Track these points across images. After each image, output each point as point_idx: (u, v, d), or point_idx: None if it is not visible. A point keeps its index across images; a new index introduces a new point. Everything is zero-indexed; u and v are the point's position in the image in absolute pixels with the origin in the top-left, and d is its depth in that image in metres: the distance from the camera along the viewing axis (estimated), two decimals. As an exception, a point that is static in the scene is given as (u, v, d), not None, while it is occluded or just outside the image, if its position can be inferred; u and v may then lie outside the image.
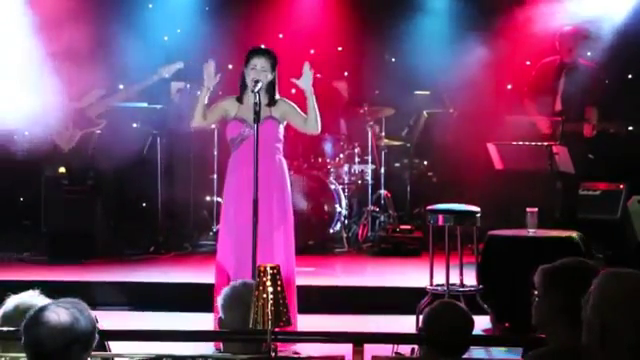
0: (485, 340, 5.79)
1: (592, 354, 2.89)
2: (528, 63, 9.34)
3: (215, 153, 9.82)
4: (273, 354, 3.80)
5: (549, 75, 9.11)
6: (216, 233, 7.49)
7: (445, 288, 6.99)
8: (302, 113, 6.53)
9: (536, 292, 3.41)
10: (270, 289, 3.75)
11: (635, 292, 2.85)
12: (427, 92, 10.64)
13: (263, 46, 6.74)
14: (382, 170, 10.28)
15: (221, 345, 4.47)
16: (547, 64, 9.20)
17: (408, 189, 10.42)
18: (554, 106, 9.07)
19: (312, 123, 6.50)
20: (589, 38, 9.25)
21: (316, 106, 6.49)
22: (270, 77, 6.45)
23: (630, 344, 2.81)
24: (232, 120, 6.54)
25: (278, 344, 3.97)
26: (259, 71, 6.40)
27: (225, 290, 4.28)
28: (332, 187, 9.91)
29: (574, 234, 7.13)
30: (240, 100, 6.54)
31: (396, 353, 4.22)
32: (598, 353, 2.87)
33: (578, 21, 9.34)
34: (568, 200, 8.63)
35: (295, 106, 6.56)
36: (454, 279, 7.10)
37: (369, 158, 10.19)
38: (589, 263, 3.46)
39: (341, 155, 10.21)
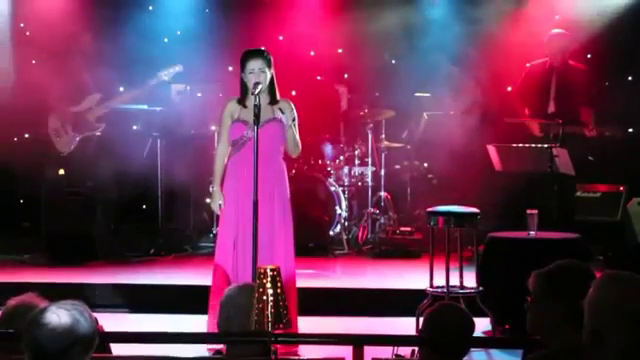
0: (485, 342, 5.80)
1: (588, 356, 2.90)
2: (528, 65, 9.34)
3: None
4: (273, 356, 3.79)
5: (539, 78, 9.13)
6: (215, 235, 7.50)
7: (445, 290, 6.99)
8: (294, 130, 6.49)
9: (529, 297, 3.40)
10: (270, 291, 3.75)
11: (625, 297, 2.85)
12: (427, 94, 10.64)
13: (262, 48, 6.69)
14: (382, 172, 10.27)
15: (217, 349, 4.49)
16: (536, 67, 9.22)
17: (408, 191, 10.41)
18: (547, 108, 9.09)
19: (290, 149, 6.55)
20: (577, 41, 9.31)
21: (297, 136, 6.50)
22: (269, 76, 6.44)
23: (619, 348, 2.81)
24: (235, 122, 6.52)
25: (279, 346, 3.97)
26: (258, 73, 6.37)
27: (225, 292, 4.29)
28: (332, 189, 9.92)
29: (574, 236, 7.13)
30: (242, 103, 6.52)
31: (396, 355, 4.22)
32: (591, 356, 2.87)
33: (571, 22, 9.39)
34: (565, 202, 8.62)
35: (292, 119, 6.51)
36: (454, 281, 7.09)
37: (369, 160, 10.19)
38: (583, 265, 3.46)
39: (341, 157, 10.21)
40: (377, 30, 10.30)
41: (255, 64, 6.40)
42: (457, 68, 10.17)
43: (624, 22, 9.65)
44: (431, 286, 7.08)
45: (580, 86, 9.08)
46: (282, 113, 6.44)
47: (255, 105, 6.10)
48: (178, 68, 9.55)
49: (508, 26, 9.68)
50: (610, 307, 2.84)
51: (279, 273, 3.82)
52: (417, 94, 10.64)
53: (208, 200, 10.11)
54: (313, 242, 9.67)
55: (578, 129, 8.97)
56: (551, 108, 9.08)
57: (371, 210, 10.17)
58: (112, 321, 5.26)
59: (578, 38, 9.38)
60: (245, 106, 6.50)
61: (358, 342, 4.04)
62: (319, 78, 10.94)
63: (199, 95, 10.70)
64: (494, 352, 6.22)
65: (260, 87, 6.24)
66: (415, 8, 10.35)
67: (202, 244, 10.11)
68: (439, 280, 7.08)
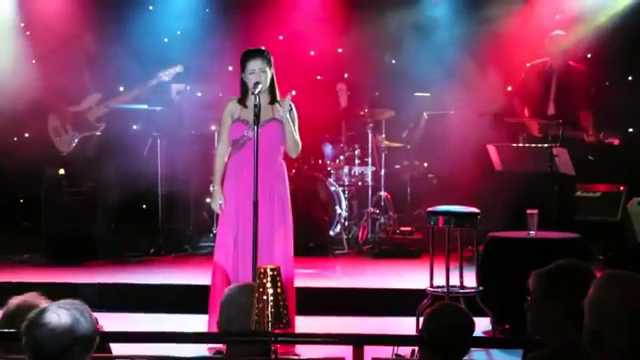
0: (485, 342, 5.80)
1: (588, 356, 2.90)
2: (528, 65, 9.34)
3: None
4: (273, 356, 3.79)
5: (539, 78, 9.12)
6: (215, 235, 7.50)
7: (445, 290, 6.99)
8: (293, 127, 6.48)
9: (529, 297, 3.40)
10: (270, 291, 3.75)
11: (625, 297, 2.84)
12: (427, 94, 10.64)
13: (263, 48, 6.69)
14: (382, 172, 10.27)
15: (217, 349, 4.48)
16: (536, 67, 9.21)
17: (408, 191, 10.42)
18: (547, 109, 9.09)
19: (290, 148, 6.51)
20: (578, 42, 9.31)
21: (296, 135, 6.48)
22: (269, 76, 6.44)
23: (619, 348, 2.81)
24: (235, 122, 6.52)
25: (278, 346, 3.97)
26: (258, 73, 6.37)
27: (225, 292, 4.29)
28: (332, 189, 9.92)
29: (574, 236, 7.12)
30: (242, 103, 6.52)
31: (396, 355, 4.22)
32: (592, 355, 2.87)
33: (572, 22, 9.40)
34: (565, 202, 8.63)
35: (292, 120, 6.51)
36: (454, 281, 7.09)
37: (369, 160, 10.19)
38: (583, 265, 3.46)
39: (341, 157, 10.22)
40: (377, 30, 10.30)
41: (255, 64, 6.40)
42: (473, 65, 10.11)
43: (624, 22, 9.65)
44: (431, 286, 7.07)
45: (580, 87, 9.07)
46: (280, 106, 6.45)
47: (255, 105, 6.10)
48: (178, 68, 9.55)
49: (511, 25, 9.68)
50: (610, 307, 2.84)
51: (279, 273, 3.82)
52: (417, 94, 10.64)
53: (208, 200, 10.13)
54: (313, 242, 9.67)
55: (577, 134, 8.97)
56: (551, 110, 9.08)
57: (371, 210, 10.17)
58: (112, 321, 5.25)
59: (579, 38, 9.38)
60: (245, 106, 6.50)
61: (358, 342, 4.04)
62: (319, 78, 10.94)
63: (199, 95, 10.70)
64: (494, 352, 6.22)
65: (260, 87, 6.24)
66: (416, 8, 10.35)
67: (202, 244, 10.11)
68: (439, 280, 7.07)
